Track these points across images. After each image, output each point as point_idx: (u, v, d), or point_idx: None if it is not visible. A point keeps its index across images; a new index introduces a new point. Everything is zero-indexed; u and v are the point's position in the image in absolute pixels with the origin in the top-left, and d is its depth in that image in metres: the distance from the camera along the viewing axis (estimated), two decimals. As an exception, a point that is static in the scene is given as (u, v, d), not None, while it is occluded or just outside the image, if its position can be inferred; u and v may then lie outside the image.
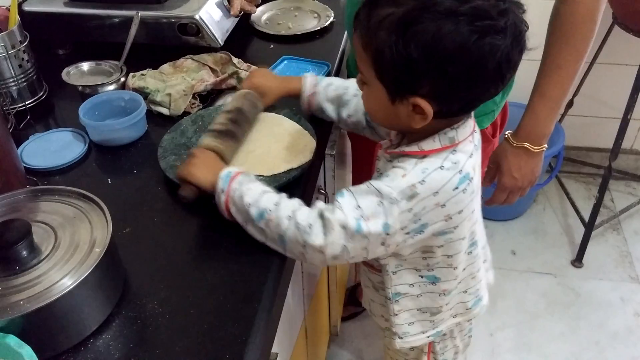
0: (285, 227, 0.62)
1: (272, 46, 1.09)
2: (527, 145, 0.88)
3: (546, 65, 0.85)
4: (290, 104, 0.89)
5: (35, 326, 0.50)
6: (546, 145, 0.91)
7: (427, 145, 0.64)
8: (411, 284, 0.75)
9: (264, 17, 1.18)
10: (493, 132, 1.00)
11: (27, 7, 1.04)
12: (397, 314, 0.79)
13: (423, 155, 0.64)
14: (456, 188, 0.63)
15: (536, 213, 1.96)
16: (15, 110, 0.88)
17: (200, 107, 0.91)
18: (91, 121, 0.82)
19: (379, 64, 0.59)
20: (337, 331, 1.54)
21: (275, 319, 0.64)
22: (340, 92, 0.83)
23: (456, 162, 0.63)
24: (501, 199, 0.96)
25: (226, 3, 1.06)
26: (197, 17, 0.99)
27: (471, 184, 0.65)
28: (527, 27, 0.59)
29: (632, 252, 1.81)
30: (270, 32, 1.12)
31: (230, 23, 1.07)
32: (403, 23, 0.55)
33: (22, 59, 0.89)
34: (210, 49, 1.02)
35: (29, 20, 1.00)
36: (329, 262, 0.64)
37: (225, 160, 0.74)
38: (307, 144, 0.79)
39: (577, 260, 1.77)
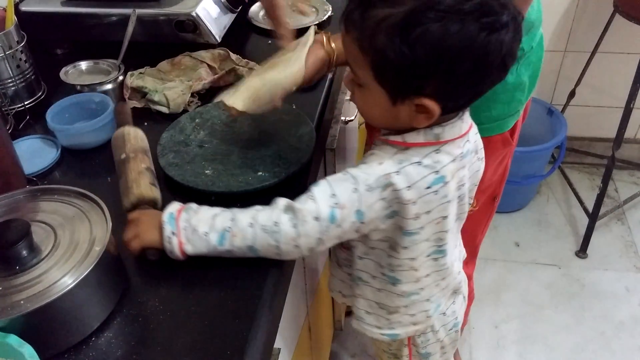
0: (252, 236, 0.60)
1: (270, 42, 1.09)
2: None
3: None
4: (288, 100, 0.89)
5: (36, 325, 0.51)
6: None
7: (411, 137, 0.63)
8: (373, 276, 0.75)
9: (261, 13, 1.18)
10: (512, 132, 0.97)
11: (24, 7, 1.04)
12: (357, 297, 0.79)
13: (405, 147, 0.63)
14: (429, 187, 0.63)
15: (540, 204, 1.96)
16: (14, 111, 0.88)
17: (199, 104, 0.91)
18: (59, 125, 0.81)
19: (379, 66, 0.58)
20: (341, 326, 1.54)
21: (276, 315, 0.64)
22: None
23: (437, 161, 0.63)
24: None
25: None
26: (194, 13, 0.99)
27: (445, 187, 0.64)
28: (523, 17, 0.59)
29: (636, 242, 1.80)
30: (269, 28, 1.11)
31: (227, 19, 1.07)
32: (406, 25, 0.54)
33: (20, 59, 0.89)
34: (208, 46, 1.02)
35: (26, 20, 0.99)
36: (306, 255, 0.63)
37: (158, 205, 0.68)
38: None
39: (582, 251, 1.76)
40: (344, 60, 0.75)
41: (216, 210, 0.63)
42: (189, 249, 0.61)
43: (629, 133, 1.98)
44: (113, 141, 0.76)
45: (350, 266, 0.77)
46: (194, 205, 0.64)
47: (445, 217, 0.68)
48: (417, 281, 0.74)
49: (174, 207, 0.63)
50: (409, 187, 0.61)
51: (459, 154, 0.65)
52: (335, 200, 0.60)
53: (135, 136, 0.75)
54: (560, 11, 1.78)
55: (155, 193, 0.68)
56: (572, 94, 1.85)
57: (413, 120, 0.61)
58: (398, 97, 0.60)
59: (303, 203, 0.61)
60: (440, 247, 0.71)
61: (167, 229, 0.60)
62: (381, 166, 0.62)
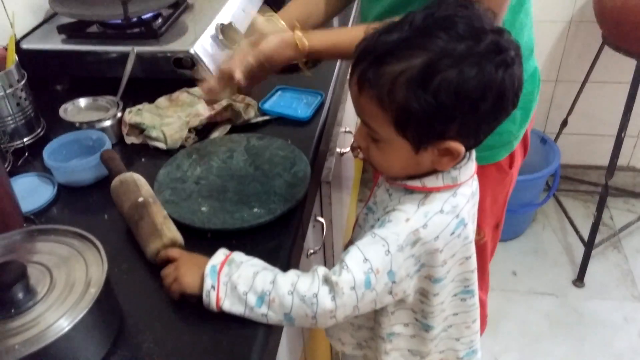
0: (290, 304, 0.60)
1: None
2: None
3: None
4: (284, 135, 0.90)
5: (31, 370, 0.50)
6: None
7: (430, 182, 0.64)
8: (406, 324, 0.75)
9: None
10: (510, 163, 0.99)
11: (25, 45, 1.06)
12: (387, 353, 0.78)
13: (425, 192, 0.64)
14: (452, 233, 0.64)
15: (536, 232, 1.96)
16: (13, 148, 0.89)
17: (196, 140, 0.92)
18: (56, 163, 0.81)
19: (402, 119, 0.58)
20: (339, 358, 1.52)
21: (272, 354, 0.63)
22: None
23: (455, 205, 0.64)
24: None
25: (220, 37, 1.08)
26: (192, 51, 1.01)
27: (465, 229, 0.65)
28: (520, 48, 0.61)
29: (633, 270, 1.80)
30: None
31: (224, 55, 1.09)
32: (425, 75, 0.56)
33: (20, 97, 0.90)
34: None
35: (27, 58, 1.01)
36: (341, 322, 0.63)
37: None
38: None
39: (579, 280, 1.76)
40: (319, 55, 0.80)
41: (257, 266, 0.62)
42: (226, 305, 0.60)
43: (622, 161, 2.01)
44: (119, 186, 0.75)
45: (378, 328, 0.77)
46: (237, 258, 0.63)
47: (468, 258, 0.69)
48: (444, 320, 0.75)
49: (218, 258, 0.63)
50: (436, 237, 0.63)
51: (470, 194, 0.67)
52: (369, 266, 0.61)
53: (144, 182, 0.76)
54: (551, 42, 1.83)
55: (181, 239, 0.69)
56: (564, 123, 1.88)
57: (437, 164, 0.62)
58: (421, 145, 0.61)
59: (338, 274, 0.60)
60: (468, 287, 0.72)
61: (208, 283, 0.60)
62: (409, 223, 0.62)
